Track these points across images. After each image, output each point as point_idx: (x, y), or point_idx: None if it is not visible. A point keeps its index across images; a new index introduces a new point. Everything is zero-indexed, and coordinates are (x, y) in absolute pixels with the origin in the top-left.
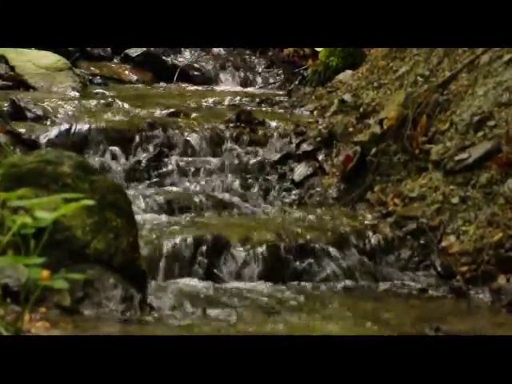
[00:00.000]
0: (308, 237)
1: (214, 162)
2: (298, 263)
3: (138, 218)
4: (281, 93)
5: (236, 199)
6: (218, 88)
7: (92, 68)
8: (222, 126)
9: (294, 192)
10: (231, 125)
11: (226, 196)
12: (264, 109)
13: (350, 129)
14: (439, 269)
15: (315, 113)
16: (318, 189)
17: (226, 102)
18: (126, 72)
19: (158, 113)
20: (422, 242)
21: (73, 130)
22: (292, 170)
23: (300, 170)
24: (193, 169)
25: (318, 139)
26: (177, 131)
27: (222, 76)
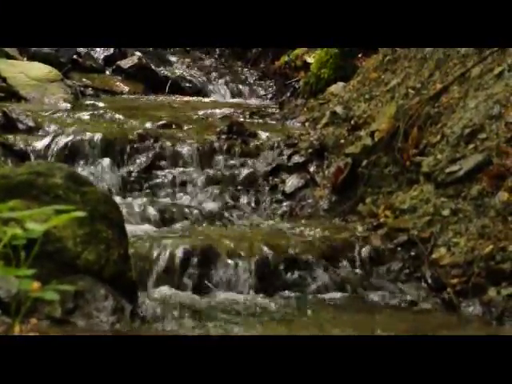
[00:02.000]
0: (299, 248)
1: (206, 173)
2: (288, 275)
3: (129, 229)
4: (272, 104)
5: (227, 211)
6: (209, 99)
7: (84, 79)
8: (213, 138)
9: (285, 204)
10: (223, 136)
11: (217, 207)
12: (256, 120)
13: (342, 140)
14: (430, 281)
15: (307, 124)
16: (310, 200)
17: (218, 114)
18: (118, 83)
19: (149, 124)
20: (412, 253)
21: (64, 142)
22: (283, 181)
23: (291, 182)
24: (184, 180)
25: (310, 151)
26: (168, 143)
27: (213, 87)
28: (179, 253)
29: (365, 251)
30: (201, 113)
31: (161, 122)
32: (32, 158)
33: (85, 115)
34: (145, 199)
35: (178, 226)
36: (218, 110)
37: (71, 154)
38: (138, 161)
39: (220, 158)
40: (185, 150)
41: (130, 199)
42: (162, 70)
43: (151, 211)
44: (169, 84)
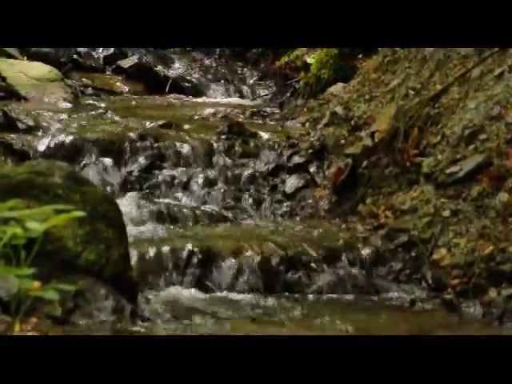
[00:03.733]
0: (299, 249)
1: (206, 173)
2: (288, 275)
3: (130, 229)
4: (272, 105)
5: (227, 211)
6: (209, 99)
7: (84, 79)
8: (213, 138)
9: (285, 204)
10: (223, 136)
11: (217, 208)
12: (256, 121)
13: (342, 141)
14: (430, 281)
15: (307, 125)
16: (310, 201)
17: (218, 114)
18: (118, 83)
19: (149, 124)
20: (413, 254)
21: (64, 141)
22: (283, 181)
23: (291, 182)
24: (184, 180)
25: (310, 151)
26: (168, 143)
27: (213, 88)
28: (180, 253)
29: (365, 252)
30: (201, 113)
31: (161, 122)
32: (32, 157)
33: (85, 115)
34: (145, 199)
35: (178, 226)
36: (218, 110)
37: (71, 153)
38: (138, 161)
39: (220, 158)
40: (185, 150)
41: (130, 199)
42: (162, 70)
43: (151, 211)
44: (169, 84)
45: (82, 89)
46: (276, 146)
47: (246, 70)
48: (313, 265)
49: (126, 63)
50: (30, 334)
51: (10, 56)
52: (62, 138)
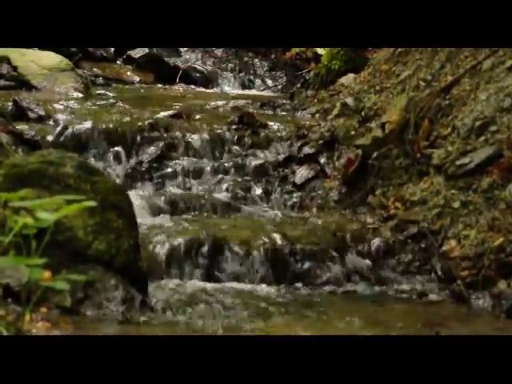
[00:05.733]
0: (309, 240)
1: (216, 163)
2: (298, 266)
3: (140, 218)
4: (283, 95)
5: (237, 201)
6: (219, 90)
7: (94, 69)
8: (224, 128)
9: (295, 195)
10: (233, 127)
11: (228, 198)
12: (266, 111)
13: (352, 132)
14: (440, 273)
15: (317, 116)
16: (320, 192)
17: (229, 104)
18: (129, 73)
19: (160, 114)
20: (422, 245)
21: (75, 131)
22: (294, 172)
23: (301, 173)
24: (194, 170)
25: (320, 142)
26: (179, 133)
27: (223, 78)
28: (189, 243)
29: (375, 243)
30: (211, 103)
31: (171, 112)
32: (43, 147)
33: (95, 105)
34: (155, 189)
35: (188, 216)
36: (228, 101)
37: (82, 143)
38: (148, 150)
39: (230, 148)
40: (195, 140)
41: (140, 189)
42: (173, 60)
43: (161, 201)
44: (179, 74)
45: (92, 78)
46: (286, 137)
47: (256, 60)
48: (322, 256)
49: (136, 53)
50: (39, 324)
51: None
52: (72, 127)
